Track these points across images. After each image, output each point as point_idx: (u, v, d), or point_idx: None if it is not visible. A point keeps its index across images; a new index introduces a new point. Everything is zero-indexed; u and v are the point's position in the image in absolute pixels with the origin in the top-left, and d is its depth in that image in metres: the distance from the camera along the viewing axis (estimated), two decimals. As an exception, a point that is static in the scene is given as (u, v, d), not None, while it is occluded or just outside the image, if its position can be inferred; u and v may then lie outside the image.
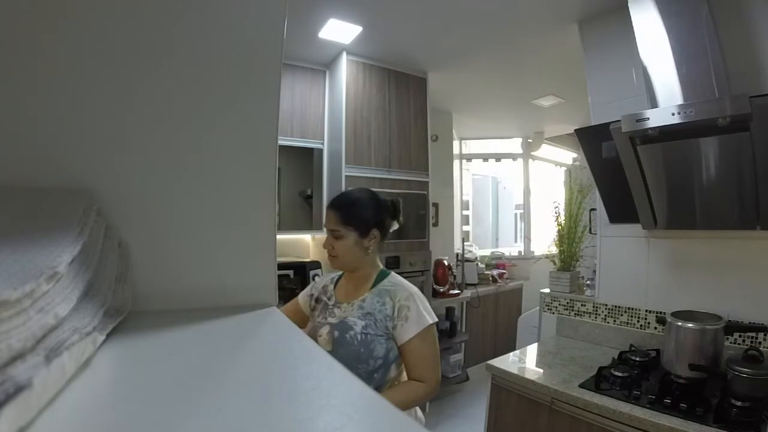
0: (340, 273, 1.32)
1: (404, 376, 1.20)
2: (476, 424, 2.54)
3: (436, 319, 1.19)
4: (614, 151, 1.66)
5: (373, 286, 1.22)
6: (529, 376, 1.66)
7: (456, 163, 4.44)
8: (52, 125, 0.39)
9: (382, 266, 1.29)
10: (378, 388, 1.13)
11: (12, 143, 0.38)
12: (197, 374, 0.28)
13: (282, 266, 2.37)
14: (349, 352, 1.11)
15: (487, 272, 3.88)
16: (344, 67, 2.58)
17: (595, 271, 2.12)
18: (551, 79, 3.03)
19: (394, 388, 1.15)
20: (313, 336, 1.18)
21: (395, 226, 1.32)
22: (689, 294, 1.73)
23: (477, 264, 3.84)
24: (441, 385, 1.20)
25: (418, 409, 1.21)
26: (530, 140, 4.81)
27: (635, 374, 1.56)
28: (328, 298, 1.28)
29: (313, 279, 2.47)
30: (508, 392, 1.73)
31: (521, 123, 4.43)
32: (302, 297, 1.37)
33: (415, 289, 1.21)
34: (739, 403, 1.28)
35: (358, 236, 1.20)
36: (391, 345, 1.15)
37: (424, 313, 1.15)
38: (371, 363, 1.11)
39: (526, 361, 1.90)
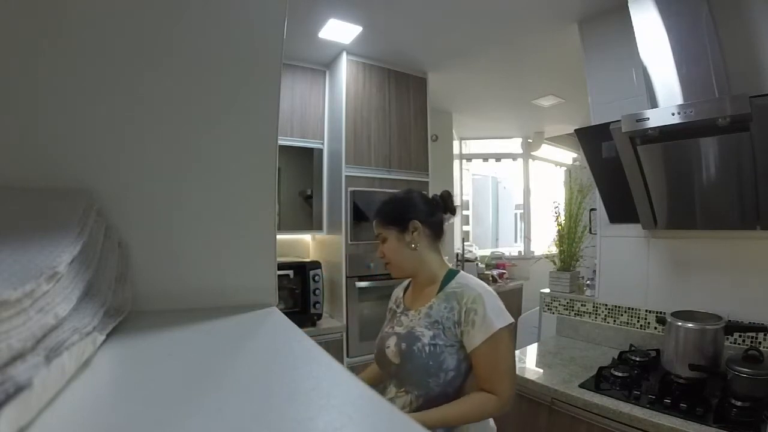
0: (410, 280, 1.25)
1: None
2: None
3: (510, 321, 1.05)
4: (614, 151, 1.66)
5: (441, 289, 1.11)
6: (529, 376, 1.66)
7: (456, 163, 4.44)
8: (52, 125, 0.39)
9: (450, 266, 1.19)
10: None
11: (12, 143, 0.38)
12: (197, 374, 0.28)
13: (282, 266, 2.37)
14: (417, 366, 1.02)
15: (487, 272, 3.87)
16: (344, 67, 2.58)
17: (595, 271, 2.12)
18: (551, 79, 3.03)
19: (461, 399, 1.03)
20: (381, 348, 1.12)
21: (449, 218, 1.24)
22: (689, 294, 1.73)
23: (477, 264, 3.84)
24: None
25: (491, 420, 1.10)
26: (530, 140, 4.81)
27: (635, 374, 1.56)
28: (397, 306, 1.22)
29: (314, 279, 2.48)
30: (508, 392, 1.73)
31: (521, 123, 4.43)
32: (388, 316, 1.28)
33: (485, 288, 1.09)
34: (739, 403, 1.28)
35: (398, 233, 1.15)
36: (463, 354, 1.04)
37: (491, 316, 1.02)
38: (442, 376, 1.02)
39: (526, 361, 1.89)
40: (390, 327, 1.16)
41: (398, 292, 1.28)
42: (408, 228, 1.15)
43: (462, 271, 1.16)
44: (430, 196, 1.26)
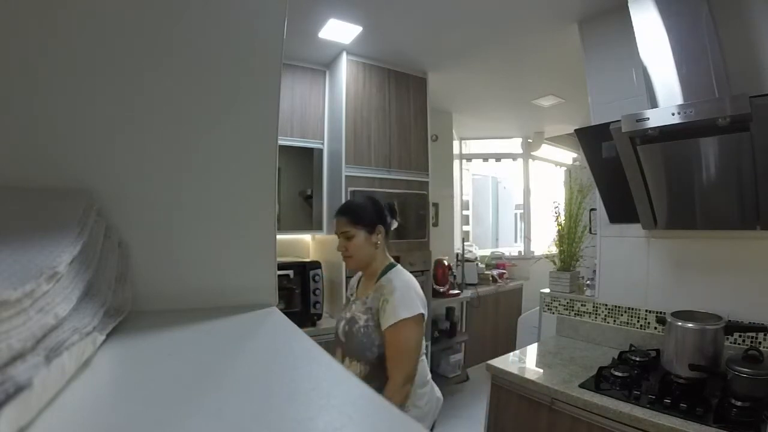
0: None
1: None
2: (476, 424, 2.54)
3: (417, 312, 1.26)
4: (614, 151, 1.66)
5: (377, 282, 1.35)
6: (529, 376, 1.66)
7: (456, 163, 4.44)
8: (52, 125, 0.39)
9: (391, 260, 1.42)
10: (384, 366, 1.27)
11: (12, 143, 0.38)
12: (197, 374, 0.28)
13: (282, 266, 2.37)
14: (357, 343, 1.29)
15: (487, 272, 3.88)
16: (344, 67, 2.58)
17: (595, 271, 2.12)
18: (551, 79, 3.02)
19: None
20: (336, 328, 1.40)
21: (395, 224, 1.49)
22: (689, 294, 1.73)
23: (477, 264, 3.84)
24: (440, 385, 1.28)
25: (435, 386, 1.41)
26: (530, 140, 4.81)
27: (635, 374, 1.56)
28: (351, 295, 1.49)
29: (314, 279, 2.48)
30: (508, 392, 1.73)
31: (521, 123, 4.43)
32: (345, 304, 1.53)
33: (402, 282, 1.31)
34: (739, 403, 1.28)
35: (366, 233, 1.36)
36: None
37: (398, 307, 1.25)
38: (375, 350, 1.28)
39: (526, 361, 1.90)
40: (344, 312, 1.41)
41: (353, 282, 1.53)
42: (375, 230, 1.38)
43: (398, 266, 1.39)
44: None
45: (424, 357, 1.39)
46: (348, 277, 2.55)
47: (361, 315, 1.31)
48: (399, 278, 1.33)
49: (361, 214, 1.38)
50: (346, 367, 1.32)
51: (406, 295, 1.28)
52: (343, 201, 2.58)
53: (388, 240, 1.43)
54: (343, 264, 2.55)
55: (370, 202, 1.43)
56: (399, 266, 1.40)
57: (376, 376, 1.26)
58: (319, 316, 2.52)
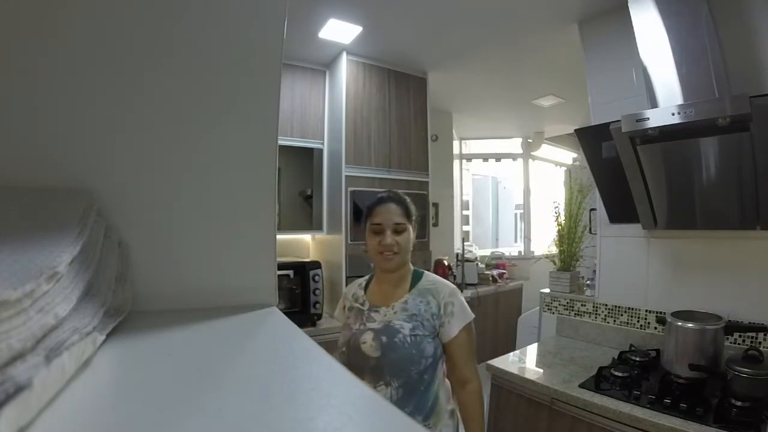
0: (368, 277, 1.32)
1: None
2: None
3: (473, 315, 1.21)
4: (614, 151, 1.66)
5: (412, 286, 1.21)
6: (529, 376, 1.66)
7: (456, 163, 4.44)
8: (52, 125, 0.39)
9: (411, 264, 1.29)
10: (430, 385, 1.13)
11: (12, 143, 0.38)
12: (197, 374, 0.28)
13: (282, 266, 2.37)
14: (402, 356, 1.10)
15: (487, 272, 3.87)
16: (344, 67, 2.58)
17: (595, 271, 2.12)
18: (551, 79, 3.03)
19: (468, 412, 1.16)
20: (355, 344, 1.16)
21: None
22: (689, 294, 1.73)
23: (477, 264, 3.84)
24: None
25: (452, 399, 1.22)
26: (530, 140, 4.81)
27: (635, 374, 1.56)
28: (361, 304, 1.24)
29: (314, 279, 2.47)
30: (508, 392, 1.73)
31: (521, 123, 4.43)
32: (338, 315, 1.34)
33: (453, 285, 1.23)
34: (739, 403, 1.28)
35: (413, 229, 1.24)
36: (437, 343, 1.16)
37: (467, 307, 1.18)
38: (423, 363, 1.12)
39: (526, 361, 1.90)
40: (360, 324, 1.19)
41: (356, 290, 1.31)
42: (414, 228, 1.26)
43: (425, 271, 1.27)
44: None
45: None
46: (349, 277, 2.56)
47: (404, 323, 1.13)
48: (445, 281, 1.24)
49: (410, 208, 1.25)
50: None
51: (462, 297, 1.21)
52: (343, 201, 2.58)
53: None
54: (344, 264, 2.58)
55: (411, 198, 1.30)
56: (425, 271, 1.29)
57: (412, 397, 1.10)
58: (319, 316, 2.52)
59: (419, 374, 1.11)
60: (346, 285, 2.54)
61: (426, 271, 1.27)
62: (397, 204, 1.22)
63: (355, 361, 1.15)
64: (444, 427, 1.14)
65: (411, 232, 1.22)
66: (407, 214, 1.22)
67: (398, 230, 1.19)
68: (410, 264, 1.27)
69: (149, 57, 0.42)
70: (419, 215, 1.29)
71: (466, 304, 1.19)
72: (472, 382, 1.16)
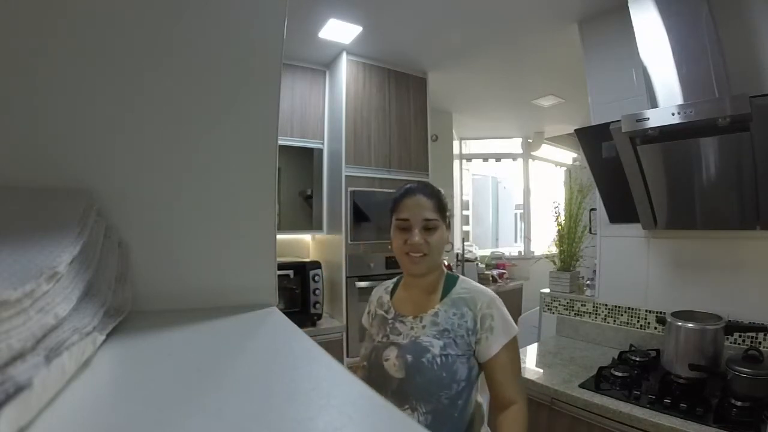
0: (396, 279, 1.16)
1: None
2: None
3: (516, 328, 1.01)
4: (614, 151, 1.66)
5: (444, 295, 1.03)
6: (529, 376, 1.66)
7: (456, 163, 4.44)
8: (52, 125, 0.39)
9: (444, 268, 1.10)
10: (464, 412, 0.96)
11: (12, 143, 0.38)
12: (197, 374, 0.28)
13: (282, 266, 2.37)
14: (430, 379, 0.93)
15: (487, 272, 3.87)
16: (344, 67, 2.58)
17: (595, 271, 2.12)
18: (551, 79, 3.03)
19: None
20: (376, 360, 1.00)
21: None
22: (689, 294, 1.73)
23: (477, 264, 3.84)
24: None
25: (486, 423, 1.08)
26: (530, 140, 4.81)
27: (635, 374, 1.56)
28: (386, 312, 1.08)
29: (314, 279, 2.47)
30: (508, 392, 1.73)
31: (521, 123, 4.43)
32: (364, 320, 1.18)
33: (493, 293, 1.03)
34: (739, 403, 1.28)
35: (445, 227, 1.05)
36: (473, 363, 0.97)
37: (509, 321, 0.99)
38: (454, 387, 0.94)
39: (526, 361, 1.89)
40: (382, 336, 1.04)
41: (381, 293, 1.14)
42: (449, 225, 1.07)
43: (461, 275, 1.10)
44: None
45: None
46: (349, 278, 2.56)
47: (434, 340, 0.96)
48: (484, 287, 1.05)
49: (444, 201, 1.06)
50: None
51: (504, 308, 1.01)
52: (343, 201, 2.57)
53: None
54: (344, 264, 2.57)
55: (436, 186, 1.10)
56: (461, 275, 1.11)
57: (442, 425, 0.94)
58: (319, 316, 2.52)
59: (450, 400, 0.94)
60: (346, 285, 2.55)
61: (462, 276, 1.09)
62: (429, 197, 1.02)
63: (377, 379, 0.99)
64: None
65: (444, 231, 1.04)
66: (440, 209, 1.03)
67: (428, 227, 1.00)
68: (444, 267, 1.10)
69: (149, 57, 0.42)
70: (451, 212, 1.10)
71: (508, 315, 1.00)
72: (516, 404, 0.98)
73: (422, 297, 1.05)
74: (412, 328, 1.00)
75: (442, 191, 1.08)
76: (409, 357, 0.95)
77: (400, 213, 1.04)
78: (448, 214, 1.06)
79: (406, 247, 1.01)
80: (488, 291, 1.03)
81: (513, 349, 0.98)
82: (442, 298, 1.02)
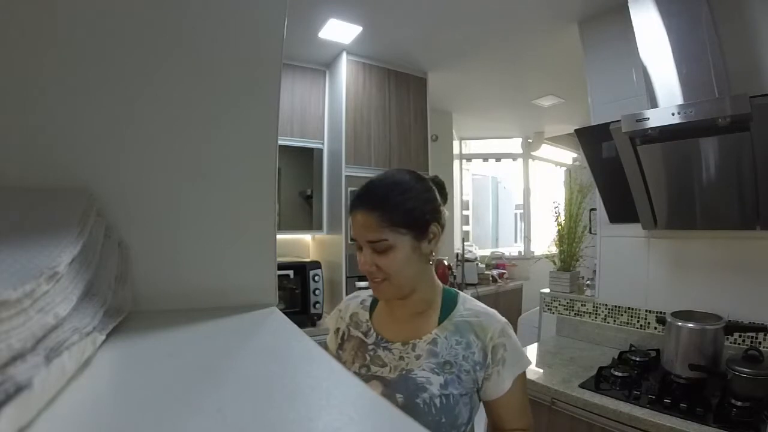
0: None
1: None
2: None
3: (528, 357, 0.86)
4: (614, 151, 1.66)
5: (444, 317, 0.83)
6: (529, 375, 1.64)
7: (456, 163, 4.44)
8: (52, 125, 0.39)
9: (439, 282, 0.89)
10: None
11: (12, 143, 0.38)
12: (197, 374, 0.28)
13: (282, 266, 2.37)
14: (425, 424, 0.65)
15: (487, 272, 3.87)
16: (344, 67, 2.58)
17: (595, 271, 2.12)
18: (551, 79, 3.03)
19: None
20: None
21: (446, 214, 0.89)
22: (689, 294, 1.73)
23: (477, 264, 3.84)
24: None
25: None
26: (530, 140, 4.81)
27: (635, 374, 1.56)
28: (364, 334, 0.87)
29: (314, 279, 2.47)
30: (508, 392, 1.73)
31: (521, 123, 4.44)
32: (331, 340, 0.95)
33: (502, 317, 0.86)
34: (739, 403, 1.28)
35: (413, 239, 0.79)
36: (475, 401, 0.81)
37: (521, 350, 0.83)
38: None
39: (526, 361, 1.89)
40: (360, 366, 0.82)
41: (357, 309, 0.92)
42: (428, 233, 0.81)
43: (461, 292, 0.90)
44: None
45: None
46: (349, 278, 2.56)
47: (432, 375, 0.77)
48: (490, 310, 0.87)
49: (404, 204, 0.78)
50: None
51: (514, 334, 0.85)
52: (344, 201, 2.56)
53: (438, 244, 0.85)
54: (344, 264, 2.58)
55: (415, 180, 0.83)
56: (461, 292, 0.90)
57: None
58: (319, 316, 2.52)
59: None
60: (346, 285, 2.55)
61: (462, 294, 0.89)
62: (372, 208, 0.77)
63: None
64: None
65: (407, 244, 0.78)
66: (393, 221, 0.77)
67: (379, 250, 0.77)
68: (436, 280, 0.88)
69: (149, 57, 0.42)
70: (435, 204, 0.84)
71: (519, 343, 0.84)
72: (524, 429, 0.83)
73: (412, 318, 0.84)
74: (401, 358, 0.80)
75: (404, 185, 0.81)
76: (399, 397, 0.76)
77: (351, 228, 0.82)
78: (416, 217, 0.79)
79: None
80: (498, 315, 0.86)
81: (523, 382, 0.83)
82: (441, 321, 0.83)
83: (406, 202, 0.79)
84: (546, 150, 4.99)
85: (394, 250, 0.77)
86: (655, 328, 1.82)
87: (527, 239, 4.77)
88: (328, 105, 2.78)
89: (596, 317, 2.06)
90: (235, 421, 0.21)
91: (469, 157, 4.99)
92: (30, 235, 0.26)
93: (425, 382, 0.76)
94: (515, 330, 0.89)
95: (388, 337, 0.84)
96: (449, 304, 0.85)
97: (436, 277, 0.88)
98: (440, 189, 0.89)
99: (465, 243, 3.83)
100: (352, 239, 0.83)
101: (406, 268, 0.79)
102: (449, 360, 0.78)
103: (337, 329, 0.93)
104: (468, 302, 0.87)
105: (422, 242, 0.80)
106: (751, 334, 1.56)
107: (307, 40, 2.42)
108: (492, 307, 0.89)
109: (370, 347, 0.84)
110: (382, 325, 0.87)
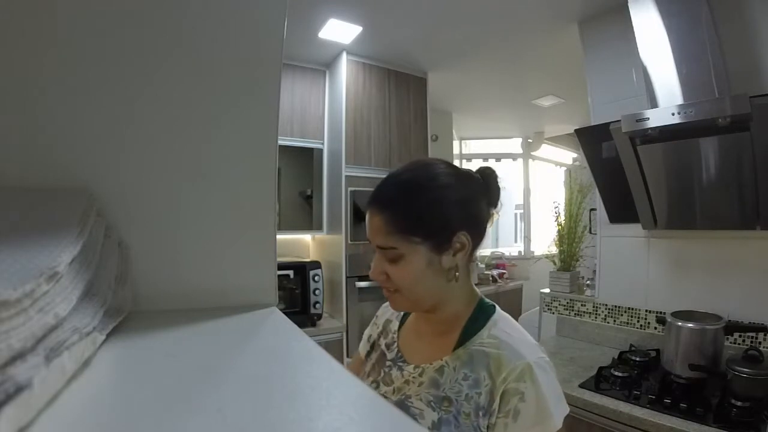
0: None
1: None
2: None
3: (567, 410, 0.65)
4: (614, 151, 1.66)
5: (463, 341, 0.68)
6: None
7: (456, 163, 4.43)
8: (52, 125, 0.39)
9: (479, 294, 0.74)
10: None
11: (12, 143, 0.38)
12: (197, 374, 0.28)
13: (282, 266, 2.37)
14: None
15: (487, 272, 3.87)
16: (344, 67, 2.58)
17: (595, 271, 2.12)
18: (551, 79, 3.03)
19: None
20: None
21: (493, 216, 0.74)
22: (689, 294, 1.73)
23: (477, 264, 3.84)
24: None
25: None
26: (530, 140, 4.81)
27: (635, 374, 1.56)
28: (388, 347, 0.78)
29: (314, 279, 2.47)
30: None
31: (521, 123, 4.44)
32: (362, 346, 0.88)
33: (537, 354, 0.66)
34: (739, 403, 1.28)
35: (431, 250, 0.66)
36: None
37: (548, 407, 0.61)
38: None
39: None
40: (372, 380, 0.76)
41: (392, 318, 0.83)
42: (451, 243, 0.66)
43: (500, 310, 0.73)
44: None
45: None
46: (350, 278, 2.56)
47: (426, 408, 0.65)
48: (524, 341, 0.68)
49: (420, 207, 0.66)
50: None
51: (550, 377, 0.65)
52: (343, 201, 2.56)
53: (475, 254, 0.72)
54: (344, 264, 2.58)
55: (445, 175, 0.69)
56: (500, 310, 0.73)
57: None
58: (319, 316, 2.52)
59: None
60: (346, 285, 2.55)
61: (499, 313, 0.72)
62: (380, 209, 0.67)
63: None
64: None
65: (422, 256, 0.65)
66: (405, 227, 0.65)
67: (389, 258, 0.66)
68: (474, 292, 0.73)
69: (149, 57, 0.42)
70: (469, 207, 0.69)
71: (552, 393, 0.63)
72: None
73: (435, 338, 0.72)
74: (406, 382, 0.70)
75: (430, 182, 0.68)
76: None
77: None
78: (437, 225, 0.66)
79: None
80: (528, 349, 0.66)
81: None
82: (457, 346, 0.68)
83: (422, 204, 0.66)
84: (546, 150, 4.99)
85: (404, 260, 0.66)
86: (655, 328, 1.82)
87: (527, 239, 4.77)
88: (328, 105, 2.78)
89: (596, 317, 2.06)
90: (235, 421, 0.21)
91: (469, 157, 4.99)
92: (30, 235, 0.26)
93: (418, 414, 0.65)
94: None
95: (406, 356, 0.74)
96: (475, 325, 0.70)
97: (472, 287, 0.74)
98: (488, 185, 0.73)
99: (465, 243, 3.82)
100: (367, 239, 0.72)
101: (419, 283, 0.67)
102: (449, 396, 0.65)
103: (369, 336, 0.86)
104: (498, 326, 0.69)
105: (443, 255, 0.66)
106: (751, 334, 1.56)
107: (307, 40, 2.42)
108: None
109: (387, 363, 0.76)
110: (406, 341, 0.77)
